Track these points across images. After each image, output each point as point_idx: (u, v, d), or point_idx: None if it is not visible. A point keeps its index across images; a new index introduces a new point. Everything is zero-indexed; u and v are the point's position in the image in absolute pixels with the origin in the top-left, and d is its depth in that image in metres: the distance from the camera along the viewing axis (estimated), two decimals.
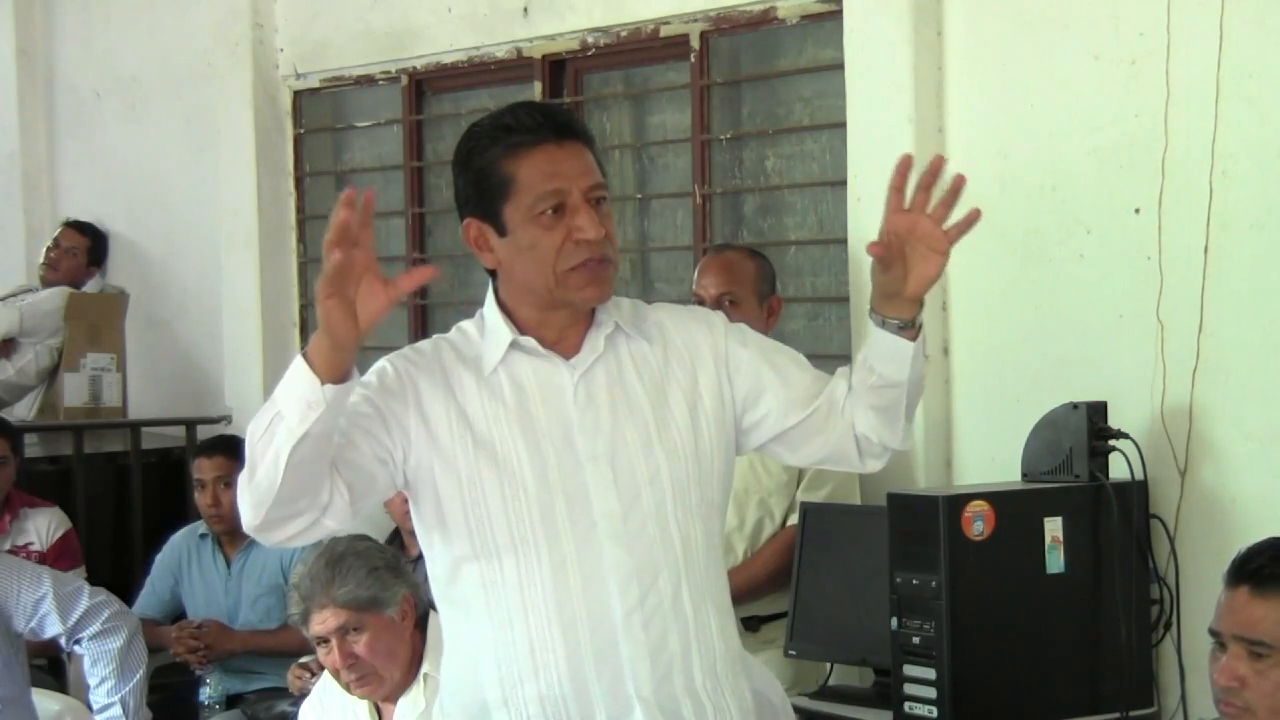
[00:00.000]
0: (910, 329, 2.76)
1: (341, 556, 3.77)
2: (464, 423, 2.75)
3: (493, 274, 2.87)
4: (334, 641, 3.75)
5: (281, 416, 2.55)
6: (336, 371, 2.54)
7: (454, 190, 2.84)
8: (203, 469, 5.85)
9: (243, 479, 2.63)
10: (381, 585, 3.77)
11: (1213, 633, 2.93)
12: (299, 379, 2.54)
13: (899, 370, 2.76)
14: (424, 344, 2.86)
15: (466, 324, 2.87)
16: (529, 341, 2.78)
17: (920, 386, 2.83)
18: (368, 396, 2.67)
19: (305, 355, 2.55)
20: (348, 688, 3.81)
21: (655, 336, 2.84)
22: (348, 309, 2.52)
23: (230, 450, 5.91)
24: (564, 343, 2.80)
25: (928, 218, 2.75)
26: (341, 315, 2.52)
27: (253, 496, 2.62)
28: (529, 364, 2.78)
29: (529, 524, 2.73)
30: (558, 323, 2.80)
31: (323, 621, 3.75)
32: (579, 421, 2.76)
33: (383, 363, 2.78)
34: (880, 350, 2.76)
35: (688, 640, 2.76)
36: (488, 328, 2.83)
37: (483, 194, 2.78)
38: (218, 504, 5.81)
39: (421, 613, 3.87)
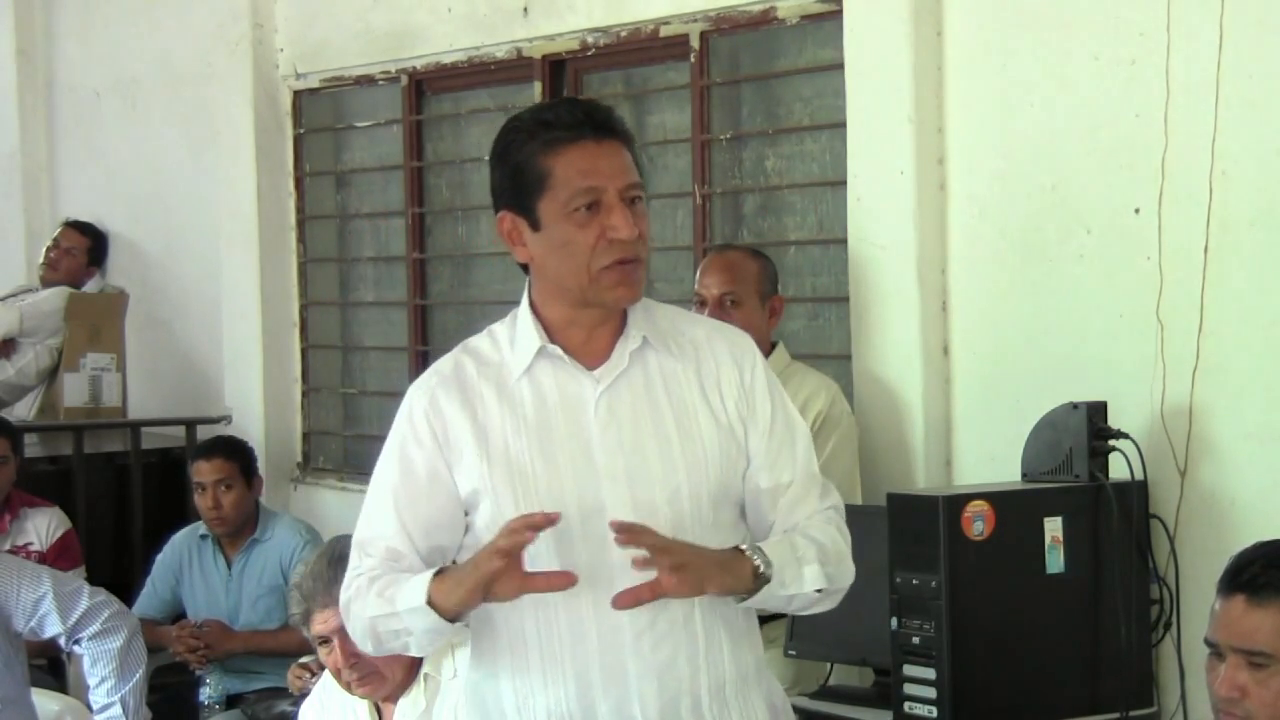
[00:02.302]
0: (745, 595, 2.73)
1: (343, 556, 3.73)
2: (483, 440, 2.77)
3: (526, 270, 2.85)
4: (336, 641, 3.73)
5: (410, 632, 2.75)
6: (459, 615, 2.72)
7: (490, 183, 2.84)
8: (202, 472, 5.83)
9: (358, 632, 2.85)
10: None
11: (1209, 643, 2.91)
12: (426, 618, 2.71)
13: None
14: (444, 364, 2.87)
15: (497, 327, 2.88)
16: (555, 350, 2.78)
17: (803, 605, 2.81)
18: (411, 475, 2.83)
19: (431, 600, 2.69)
20: (349, 687, 3.80)
21: (687, 354, 2.83)
22: (490, 583, 2.64)
23: (229, 452, 5.89)
24: (592, 348, 2.79)
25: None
26: (481, 590, 2.65)
27: (374, 648, 2.86)
28: (553, 374, 2.79)
29: (543, 539, 2.72)
30: (587, 322, 2.80)
31: (325, 621, 3.74)
32: (599, 437, 2.76)
33: (406, 413, 2.84)
34: None
35: (697, 663, 2.76)
36: (518, 331, 2.82)
37: (518, 188, 2.77)
38: (218, 506, 5.80)
39: None
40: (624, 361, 2.79)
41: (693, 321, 2.91)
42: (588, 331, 2.80)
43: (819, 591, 2.75)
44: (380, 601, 2.77)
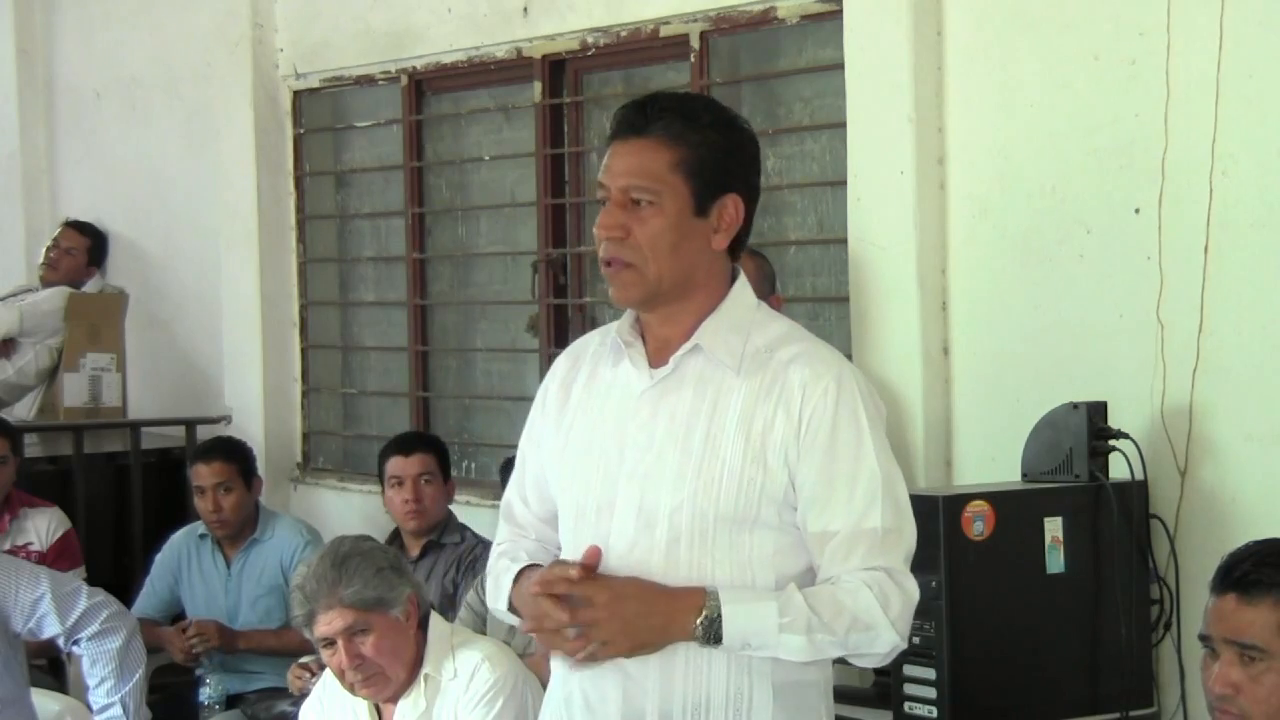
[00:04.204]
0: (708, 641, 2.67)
1: (347, 557, 3.76)
2: (564, 412, 2.85)
3: None
4: (340, 643, 3.73)
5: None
6: None
7: None
8: (201, 475, 5.81)
9: None
10: (387, 585, 3.75)
11: (1203, 638, 2.92)
12: (515, 618, 2.87)
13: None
14: (586, 336, 2.95)
15: None
16: (620, 341, 2.81)
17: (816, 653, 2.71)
18: (531, 439, 2.94)
19: (513, 605, 2.86)
20: (352, 689, 3.80)
21: (757, 371, 2.74)
22: None
23: (228, 454, 5.86)
24: (664, 347, 2.79)
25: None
26: None
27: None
28: (626, 364, 2.81)
29: (566, 520, 2.82)
30: (650, 320, 2.80)
31: (329, 623, 3.73)
32: (633, 435, 2.76)
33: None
34: None
35: (671, 681, 2.71)
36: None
37: None
38: (219, 510, 5.78)
39: (424, 613, 3.86)
40: (670, 366, 2.77)
41: (791, 341, 2.78)
42: (655, 327, 2.80)
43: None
44: (494, 591, 2.89)
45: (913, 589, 2.72)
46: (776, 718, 2.74)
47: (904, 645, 2.73)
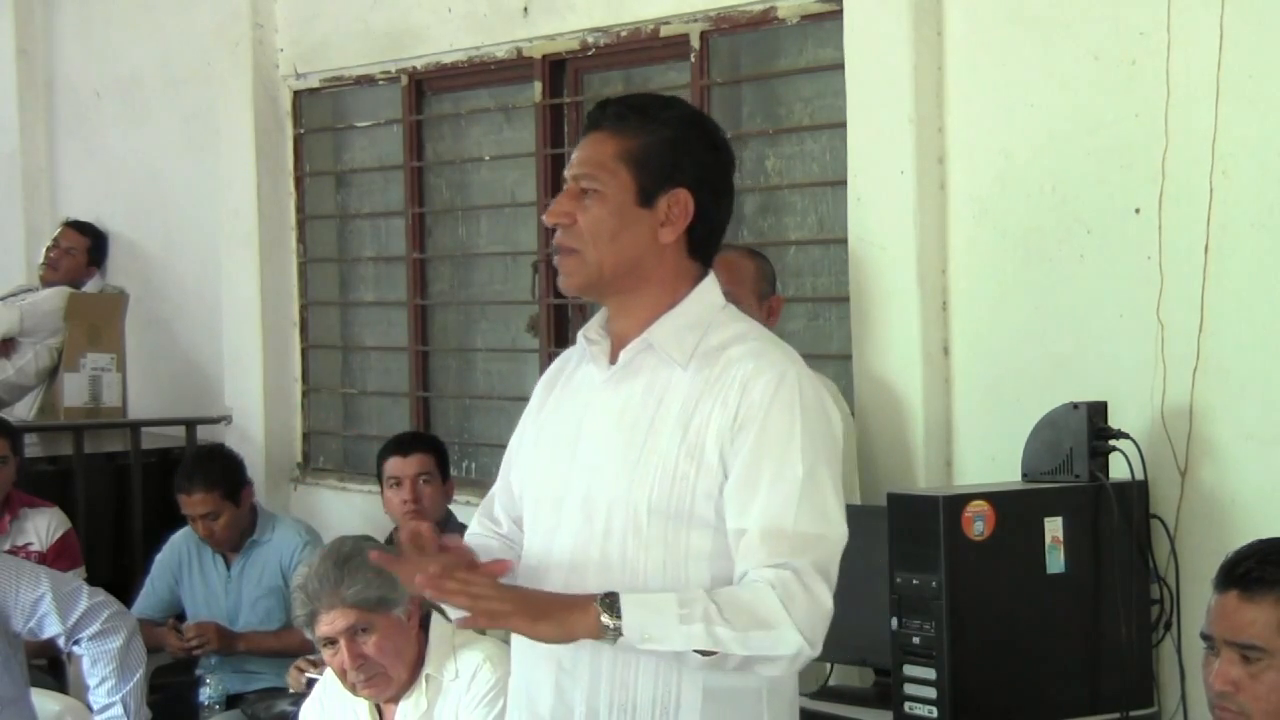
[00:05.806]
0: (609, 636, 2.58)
1: (349, 557, 3.76)
2: (541, 414, 2.89)
3: None
4: (343, 643, 3.73)
5: None
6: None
7: None
8: (186, 504, 5.77)
9: None
10: (390, 585, 3.75)
11: (1204, 636, 2.93)
12: None
13: None
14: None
15: None
16: (583, 339, 2.83)
17: (704, 665, 2.61)
18: (518, 440, 2.95)
19: None
20: (353, 689, 3.80)
21: (705, 368, 2.72)
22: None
23: (208, 482, 5.75)
24: (623, 346, 2.79)
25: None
26: None
27: None
28: (590, 361, 2.83)
29: (528, 512, 2.85)
30: (611, 317, 2.82)
31: (331, 622, 3.73)
32: (587, 429, 2.78)
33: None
34: None
35: (598, 674, 2.70)
36: None
37: None
38: (210, 533, 5.77)
39: (425, 613, 3.86)
40: (623, 359, 2.78)
41: (746, 340, 2.76)
42: (613, 323, 2.81)
43: (704, 654, 2.55)
44: None
45: (823, 596, 2.62)
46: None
47: (815, 654, 2.63)
